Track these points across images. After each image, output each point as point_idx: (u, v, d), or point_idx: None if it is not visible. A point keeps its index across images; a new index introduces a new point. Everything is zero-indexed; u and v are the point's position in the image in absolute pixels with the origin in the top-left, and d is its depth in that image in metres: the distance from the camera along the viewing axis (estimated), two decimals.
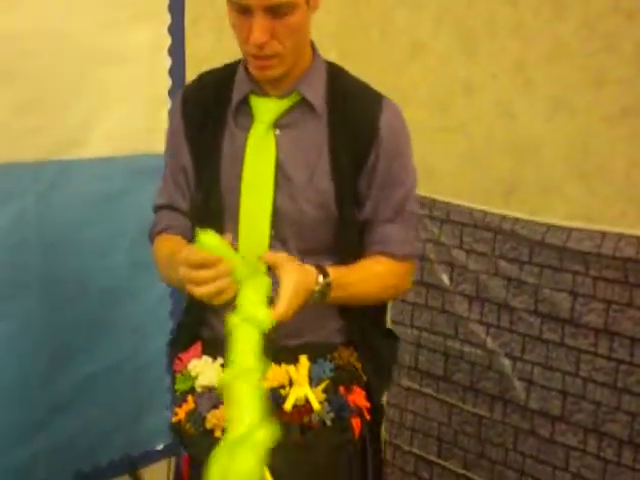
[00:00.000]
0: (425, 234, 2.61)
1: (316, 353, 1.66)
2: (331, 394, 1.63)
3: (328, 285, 1.53)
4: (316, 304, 1.53)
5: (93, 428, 2.44)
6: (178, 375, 1.72)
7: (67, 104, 2.23)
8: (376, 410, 1.74)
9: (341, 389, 1.65)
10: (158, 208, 1.80)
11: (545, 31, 2.38)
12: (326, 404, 1.61)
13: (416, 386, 2.72)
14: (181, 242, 1.67)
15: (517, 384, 2.45)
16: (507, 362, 2.47)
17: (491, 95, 2.52)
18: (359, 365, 1.72)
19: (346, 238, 1.67)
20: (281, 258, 1.49)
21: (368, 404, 1.68)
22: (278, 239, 1.64)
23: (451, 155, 2.61)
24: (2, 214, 2.16)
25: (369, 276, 1.66)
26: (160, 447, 2.65)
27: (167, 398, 2.61)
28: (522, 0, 2.42)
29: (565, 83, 2.36)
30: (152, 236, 1.80)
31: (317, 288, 1.51)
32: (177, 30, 2.41)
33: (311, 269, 1.53)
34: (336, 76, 1.68)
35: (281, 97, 1.63)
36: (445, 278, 2.60)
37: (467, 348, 2.57)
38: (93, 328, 2.38)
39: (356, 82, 1.70)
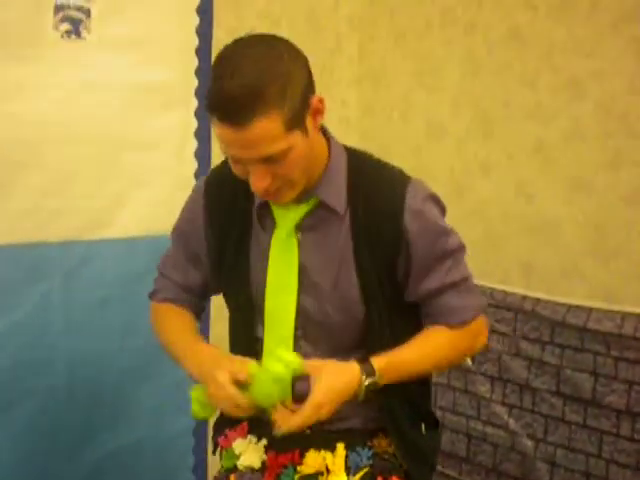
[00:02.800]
0: None
1: (354, 440, 1.62)
2: None
3: (375, 383, 1.48)
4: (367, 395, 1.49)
5: None
6: (223, 452, 1.71)
7: (94, 187, 2.29)
8: None
9: (379, 479, 1.60)
10: (163, 274, 1.78)
11: (562, 112, 2.43)
12: None
13: (439, 467, 2.68)
14: (194, 326, 1.71)
15: (540, 465, 2.42)
16: (530, 443, 2.44)
17: (509, 175, 2.56)
18: (399, 453, 1.65)
19: (375, 339, 1.58)
20: (320, 363, 1.47)
21: None
22: (306, 339, 1.60)
23: (470, 235, 2.59)
24: (29, 293, 2.21)
25: (430, 351, 1.59)
26: None
27: (190, 478, 2.61)
28: (539, 82, 2.48)
29: (583, 164, 2.39)
30: (154, 297, 1.79)
31: (361, 389, 1.47)
32: (204, 114, 2.46)
33: (354, 370, 1.48)
34: (357, 170, 1.56)
35: (299, 203, 1.54)
36: (467, 358, 2.59)
37: (490, 429, 2.55)
38: (114, 407, 2.40)
39: (378, 172, 1.59)
